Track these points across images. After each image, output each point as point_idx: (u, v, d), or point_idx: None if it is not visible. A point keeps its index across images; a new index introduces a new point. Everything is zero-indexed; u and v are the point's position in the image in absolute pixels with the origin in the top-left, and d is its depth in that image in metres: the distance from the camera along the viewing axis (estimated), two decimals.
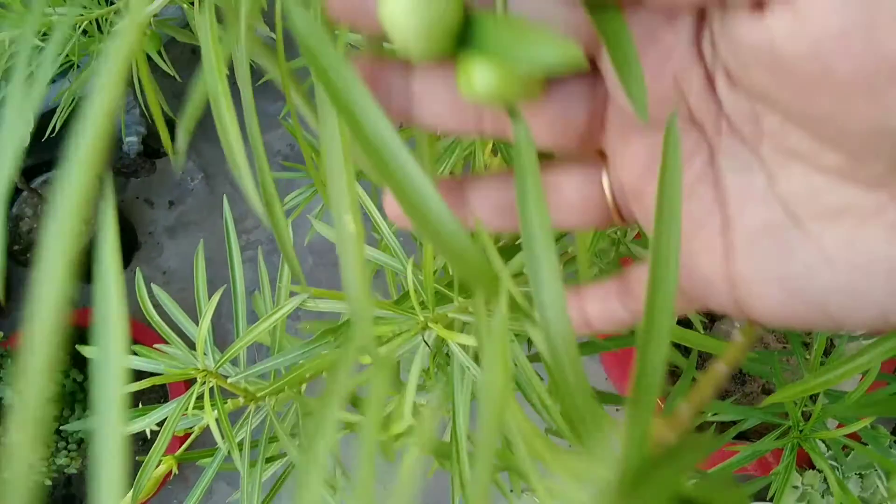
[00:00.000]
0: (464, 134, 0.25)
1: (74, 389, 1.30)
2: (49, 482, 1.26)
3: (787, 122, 0.20)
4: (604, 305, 0.26)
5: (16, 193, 1.40)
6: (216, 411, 0.40)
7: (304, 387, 0.50)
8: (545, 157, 0.25)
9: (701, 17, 0.21)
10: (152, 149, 1.48)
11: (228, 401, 0.45)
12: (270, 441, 0.48)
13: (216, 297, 0.42)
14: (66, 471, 1.28)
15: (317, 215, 0.81)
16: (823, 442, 0.82)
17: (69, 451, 1.25)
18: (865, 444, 0.70)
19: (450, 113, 0.24)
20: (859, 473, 0.92)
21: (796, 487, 0.93)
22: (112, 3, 0.87)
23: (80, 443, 1.27)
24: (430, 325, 0.44)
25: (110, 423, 0.20)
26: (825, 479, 0.83)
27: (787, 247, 0.21)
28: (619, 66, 0.19)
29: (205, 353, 0.44)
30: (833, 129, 0.19)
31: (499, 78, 0.20)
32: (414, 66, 0.23)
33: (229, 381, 0.44)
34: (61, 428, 1.27)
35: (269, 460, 0.48)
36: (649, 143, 0.23)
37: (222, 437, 0.39)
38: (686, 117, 0.22)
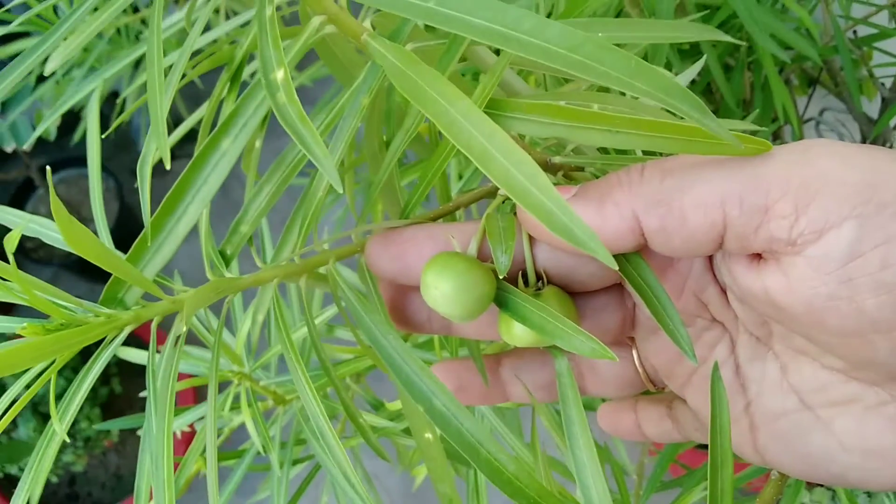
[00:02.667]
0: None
1: None
2: (55, 479, 1.26)
3: (792, 332, 0.23)
4: (660, 427, 0.30)
5: (32, 191, 1.41)
6: (252, 411, 0.41)
7: (329, 391, 0.51)
8: None
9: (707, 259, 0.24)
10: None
11: (259, 403, 0.45)
12: (297, 444, 0.49)
13: (253, 307, 0.43)
14: (71, 468, 1.28)
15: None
16: None
17: (76, 449, 1.25)
18: None
19: (489, 331, 0.27)
20: (867, 492, 0.93)
21: (803, 503, 0.93)
22: (137, 12, 0.88)
23: (87, 441, 1.27)
24: None
25: (162, 424, 0.21)
26: (833, 497, 0.83)
27: (803, 430, 0.24)
28: (659, 318, 0.22)
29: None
30: (832, 350, 0.22)
31: (534, 333, 0.23)
32: None
33: (261, 384, 0.45)
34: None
35: (294, 463, 0.49)
36: None
37: (258, 435, 0.40)
38: (709, 318, 0.25)
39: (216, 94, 0.27)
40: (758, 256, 0.21)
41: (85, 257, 0.19)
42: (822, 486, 0.95)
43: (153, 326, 0.23)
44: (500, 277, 0.23)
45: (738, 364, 0.25)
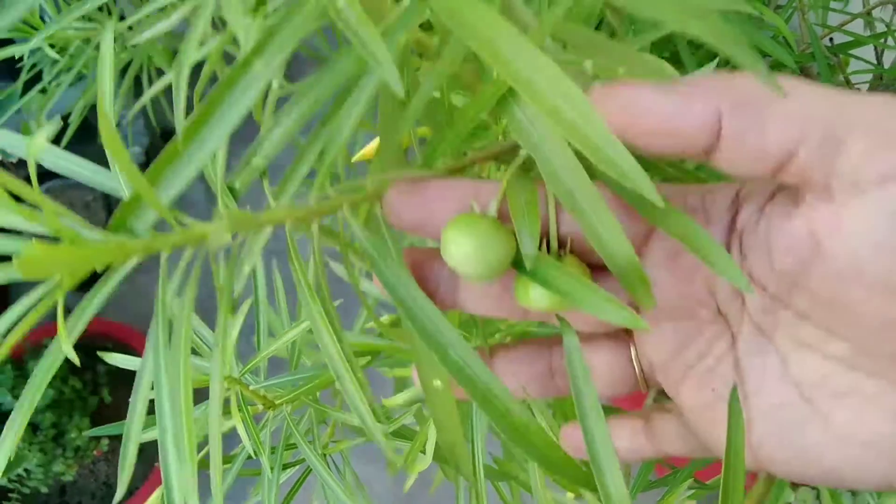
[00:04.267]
0: (508, 319, 0.28)
1: (72, 397, 1.31)
2: (45, 489, 1.26)
3: (801, 319, 0.23)
4: (632, 443, 0.30)
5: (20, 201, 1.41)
6: (243, 415, 0.41)
7: (318, 394, 0.52)
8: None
9: (730, 230, 0.24)
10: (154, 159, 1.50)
11: (248, 407, 0.46)
12: (287, 448, 0.49)
13: (244, 310, 0.44)
14: (62, 478, 1.28)
15: None
16: None
17: (66, 459, 1.25)
18: None
19: (497, 306, 0.27)
20: (852, 490, 0.94)
21: (788, 503, 0.94)
22: (123, 19, 0.89)
23: (77, 450, 1.27)
24: None
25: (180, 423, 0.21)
26: (818, 496, 0.84)
27: (800, 423, 0.24)
28: (697, 248, 0.22)
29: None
30: (848, 317, 0.22)
31: (553, 297, 0.24)
32: None
33: (251, 388, 0.45)
34: (59, 435, 1.27)
35: (285, 467, 0.50)
36: (678, 328, 0.26)
37: (249, 439, 0.40)
38: (714, 310, 0.26)
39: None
40: (796, 197, 0.22)
41: (112, 156, 0.19)
42: (805, 485, 0.96)
43: (163, 258, 0.22)
44: (526, 257, 0.23)
45: (738, 358, 0.26)
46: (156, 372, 0.22)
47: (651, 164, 0.30)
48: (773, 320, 0.24)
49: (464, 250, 0.23)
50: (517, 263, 0.24)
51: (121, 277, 0.23)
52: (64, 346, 0.21)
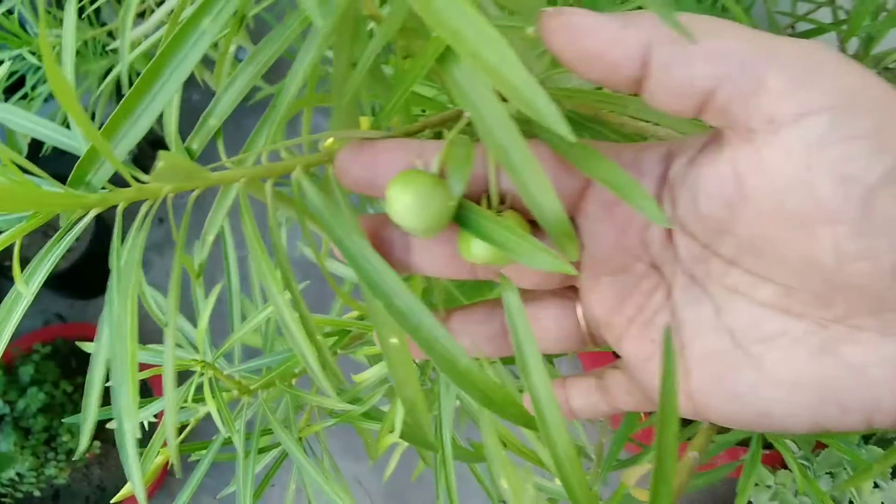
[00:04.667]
0: (458, 279, 0.29)
1: (64, 401, 1.31)
2: (38, 493, 1.27)
3: (730, 265, 0.25)
4: (587, 400, 0.31)
5: None
6: (216, 401, 0.42)
7: (294, 381, 0.53)
8: (524, 292, 0.29)
9: (661, 182, 0.25)
10: (140, 164, 1.51)
11: (223, 393, 0.47)
12: (263, 433, 0.50)
13: (215, 292, 0.45)
14: (54, 482, 1.29)
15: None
16: (794, 441, 0.85)
17: (58, 462, 1.26)
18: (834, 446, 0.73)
19: (447, 265, 0.28)
20: (830, 472, 0.95)
21: (769, 486, 0.96)
22: (104, 25, 0.90)
23: (69, 454, 1.28)
24: None
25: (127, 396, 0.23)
26: (795, 480, 0.85)
27: (734, 368, 0.25)
28: (622, 192, 0.24)
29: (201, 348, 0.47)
30: (773, 258, 0.23)
31: (493, 250, 0.25)
32: None
33: (225, 373, 0.46)
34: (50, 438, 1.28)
35: (261, 451, 0.51)
36: (616, 282, 0.28)
37: (223, 424, 0.41)
38: (649, 262, 0.27)
39: None
40: (720, 146, 0.23)
41: (65, 108, 0.20)
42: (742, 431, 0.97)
43: (119, 210, 0.24)
44: (455, 198, 0.24)
45: (674, 308, 0.27)
46: (108, 311, 0.23)
47: (595, 129, 0.31)
48: (704, 269, 0.26)
49: (404, 204, 0.24)
50: (460, 219, 0.25)
51: (83, 227, 0.24)
52: (18, 285, 0.22)
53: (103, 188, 0.24)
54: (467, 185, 0.25)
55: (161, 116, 0.27)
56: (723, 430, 0.94)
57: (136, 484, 0.23)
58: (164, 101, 0.23)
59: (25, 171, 0.23)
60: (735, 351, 0.25)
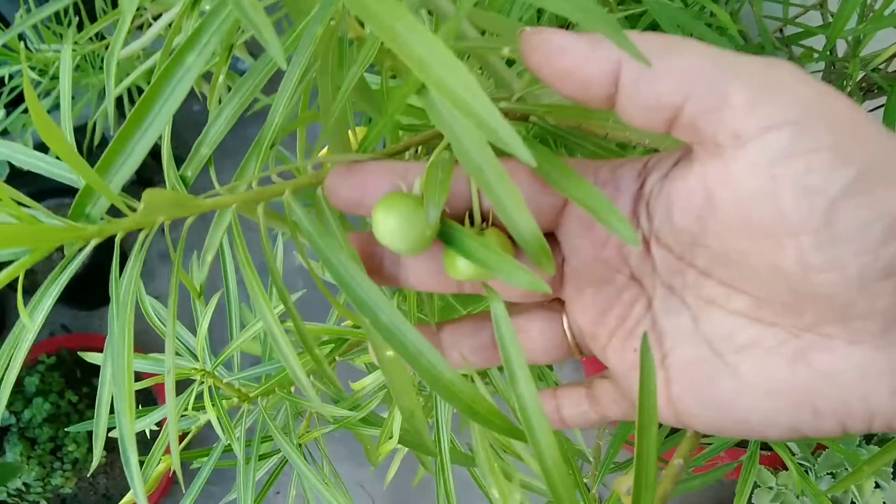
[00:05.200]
0: (445, 293, 0.30)
1: (69, 411, 1.32)
2: (44, 502, 1.28)
3: (704, 276, 0.26)
4: (577, 409, 0.32)
5: None
6: (216, 409, 0.43)
7: (293, 388, 0.53)
8: (511, 304, 0.30)
9: (638, 197, 0.26)
10: (144, 177, 1.52)
11: (223, 401, 0.48)
12: (263, 440, 0.51)
13: (214, 300, 0.46)
14: (60, 491, 1.30)
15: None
16: (794, 441, 0.85)
17: (64, 472, 1.27)
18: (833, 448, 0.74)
19: (434, 280, 0.29)
20: (831, 473, 0.96)
21: (771, 488, 0.96)
22: (102, 39, 0.91)
23: (75, 463, 1.28)
24: None
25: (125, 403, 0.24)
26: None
27: (713, 376, 0.26)
28: (596, 211, 0.24)
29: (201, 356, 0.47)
30: (743, 270, 0.24)
31: (475, 268, 0.26)
32: None
33: (224, 381, 0.47)
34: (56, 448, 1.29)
35: (261, 458, 0.52)
36: (599, 293, 0.28)
37: (223, 431, 0.42)
38: (629, 274, 0.28)
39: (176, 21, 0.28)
40: (692, 162, 0.24)
41: (55, 151, 0.21)
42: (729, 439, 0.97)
43: (117, 240, 0.25)
44: (431, 223, 0.25)
45: (655, 319, 0.27)
46: (109, 335, 0.25)
47: (576, 143, 0.32)
48: (681, 280, 0.26)
49: (388, 227, 0.25)
50: (445, 238, 0.26)
51: (83, 258, 0.25)
52: (23, 317, 0.23)
53: (102, 218, 0.25)
54: (451, 205, 0.26)
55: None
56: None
57: (136, 488, 0.24)
58: (154, 134, 0.24)
59: (22, 204, 0.24)
60: (714, 359, 0.26)
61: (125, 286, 0.25)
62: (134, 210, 0.26)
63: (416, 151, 0.31)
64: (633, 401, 0.29)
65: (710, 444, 0.70)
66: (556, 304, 0.31)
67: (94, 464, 0.26)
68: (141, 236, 0.26)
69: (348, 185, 0.27)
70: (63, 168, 0.28)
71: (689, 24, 0.52)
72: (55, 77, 0.76)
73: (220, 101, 0.29)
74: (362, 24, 0.32)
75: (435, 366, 0.24)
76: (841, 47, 0.72)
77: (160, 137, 0.28)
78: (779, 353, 0.25)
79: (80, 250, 0.25)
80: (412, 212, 0.25)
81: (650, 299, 0.28)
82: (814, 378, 0.24)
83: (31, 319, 0.25)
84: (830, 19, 0.72)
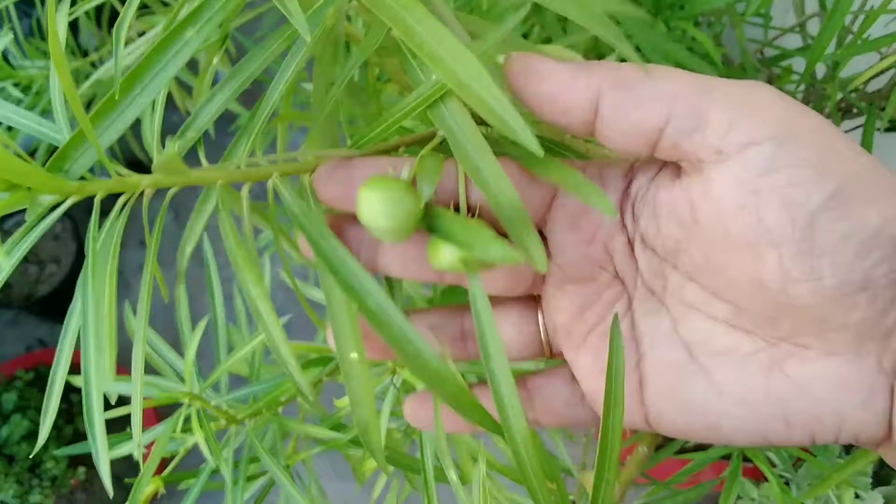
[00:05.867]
0: (426, 282, 0.29)
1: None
2: None
3: (686, 280, 0.26)
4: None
5: None
6: (204, 431, 0.43)
7: (280, 409, 0.53)
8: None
9: (624, 197, 0.27)
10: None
11: (211, 423, 0.48)
12: (251, 462, 0.51)
13: (202, 326, 0.46)
14: None
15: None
16: (775, 453, 0.86)
17: (43, 489, 1.25)
18: (815, 457, 0.75)
19: (416, 267, 0.28)
20: (811, 485, 0.96)
21: (753, 500, 0.97)
22: (87, 55, 0.91)
23: (54, 480, 1.27)
24: (398, 369, 0.48)
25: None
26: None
27: (687, 380, 0.26)
28: (581, 193, 0.24)
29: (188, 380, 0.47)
30: (723, 279, 0.25)
31: (459, 258, 0.25)
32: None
33: (212, 403, 0.47)
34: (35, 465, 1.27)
35: (249, 479, 0.52)
36: (581, 291, 0.28)
37: (211, 454, 0.42)
38: (612, 273, 0.28)
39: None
40: (678, 171, 0.25)
41: (57, 71, 0.21)
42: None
43: (97, 200, 0.24)
44: (423, 202, 0.25)
45: (634, 320, 0.28)
46: (83, 285, 0.24)
47: (559, 153, 0.33)
48: (662, 283, 0.27)
49: (372, 205, 0.25)
50: (429, 226, 0.25)
51: (58, 216, 0.24)
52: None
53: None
54: (437, 196, 0.26)
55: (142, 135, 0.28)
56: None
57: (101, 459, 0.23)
58: (145, 102, 0.24)
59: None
60: (689, 364, 0.26)
61: (104, 239, 0.24)
62: (119, 174, 0.25)
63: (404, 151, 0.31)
64: (593, 402, 0.29)
65: (693, 460, 0.71)
66: (530, 301, 0.30)
67: (104, 482, 0.25)
68: (121, 200, 0.25)
69: (335, 179, 0.27)
70: (44, 125, 0.27)
71: (672, 50, 0.53)
72: (39, 93, 0.75)
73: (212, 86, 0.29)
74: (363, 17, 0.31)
75: (422, 353, 0.24)
76: (820, 69, 0.73)
77: (153, 112, 0.27)
78: (754, 360, 0.25)
79: (56, 207, 0.24)
80: (399, 192, 0.25)
81: (631, 300, 0.28)
82: (787, 387, 0.24)
83: (7, 258, 0.24)
84: (810, 41, 0.73)
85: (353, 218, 0.27)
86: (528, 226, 0.24)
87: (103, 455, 0.24)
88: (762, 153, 0.22)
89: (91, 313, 0.23)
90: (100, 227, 0.25)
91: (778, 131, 0.22)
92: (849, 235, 0.22)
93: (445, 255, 0.25)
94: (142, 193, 0.26)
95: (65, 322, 0.25)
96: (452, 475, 0.40)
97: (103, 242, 0.24)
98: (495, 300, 0.30)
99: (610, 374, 0.25)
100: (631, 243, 0.27)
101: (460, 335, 0.30)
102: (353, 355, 0.26)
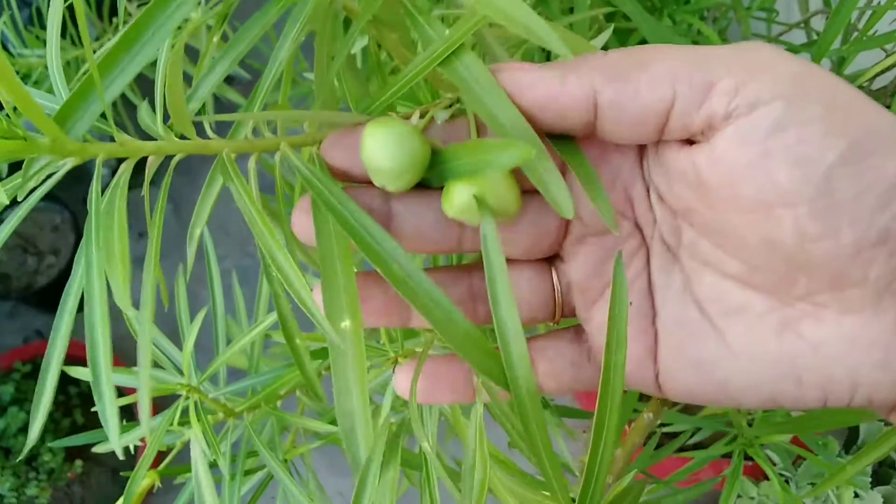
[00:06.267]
0: (443, 251, 0.28)
1: (45, 420, 1.30)
2: None
3: (700, 237, 0.26)
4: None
5: None
6: (201, 424, 0.42)
7: (279, 403, 0.53)
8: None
9: (640, 154, 0.26)
10: None
11: (209, 416, 0.47)
12: (249, 455, 0.51)
13: (200, 316, 0.45)
14: (36, 501, 1.27)
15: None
16: (775, 451, 0.86)
17: (39, 482, 1.25)
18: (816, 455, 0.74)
19: (432, 230, 0.27)
20: (812, 483, 0.96)
21: (752, 498, 0.97)
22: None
23: (51, 473, 1.26)
24: (399, 359, 0.47)
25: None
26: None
27: (699, 337, 0.26)
28: (586, 186, 0.24)
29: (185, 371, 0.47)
30: (736, 240, 0.24)
31: (475, 198, 0.24)
32: (393, 193, 0.27)
33: (210, 396, 0.47)
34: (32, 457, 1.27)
35: (247, 473, 0.51)
36: (601, 243, 0.28)
37: (208, 447, 0.41)
38: (632, 222, 0.27)
39: None
40: (689, 142, 0.24)
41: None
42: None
43: (98, 161, 0.23)
44: (439, 122, 0.24)
45: (650, 275, 0.27)
46: (86, 237, 0.23)
47: None
48: (677, 239, 0.26)
49: (377, 142, 0.24)
50: (441, 167, 0.25)
51: (61, 176, 0.23)
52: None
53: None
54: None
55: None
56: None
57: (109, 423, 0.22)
58: (141, 61, 0.22)
59: None
60: (701, 321, 0.26)
61: (108, 199, 0.23)
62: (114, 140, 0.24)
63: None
64: (599, 360, 0.28)
65: (693, 458, 0.70)
66: (545, 264, 0.30)
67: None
68: (124, 165, 0.24)
69: (343, 146, 0.26)
70: (42, 96, 0.26)
71: (678, 43, 0.52)
72: (38, 81, 0.75)
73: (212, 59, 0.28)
74: None
75: (452, 317, 0.23)
76: (825, 66, 0.73)
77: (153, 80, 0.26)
78: (768, 320, 0.25)
79: (52, 174, 0.23)
80: (405, 132, 0.24)
81: (649, 256, 0.27)
82: (800, 347, 0.24)
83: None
84: (815, 37, 0.73)
85: (367, 190, 0.27)
86: (553, 170, 0.24)
87: (111, 409, 0.22)
88: (771, 113, 0.22)
89: (95, 260, 0.22)
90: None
91: (786, 90, 0.22)
92: (866, 189, 0.21)
93: (459, 195, 0.24)
94: (145, 162, 0.25)
95: (59, 306, 0.24)
96: (426, 445, 0.38)
97: (107, 202, 0.23)
98: (509, 263, 0.29)
99: (613, 309, 0.24)
100: (649, 193, 0.27)
101: (468, 296, 0.29)
102: (346, 323, 0.23)
